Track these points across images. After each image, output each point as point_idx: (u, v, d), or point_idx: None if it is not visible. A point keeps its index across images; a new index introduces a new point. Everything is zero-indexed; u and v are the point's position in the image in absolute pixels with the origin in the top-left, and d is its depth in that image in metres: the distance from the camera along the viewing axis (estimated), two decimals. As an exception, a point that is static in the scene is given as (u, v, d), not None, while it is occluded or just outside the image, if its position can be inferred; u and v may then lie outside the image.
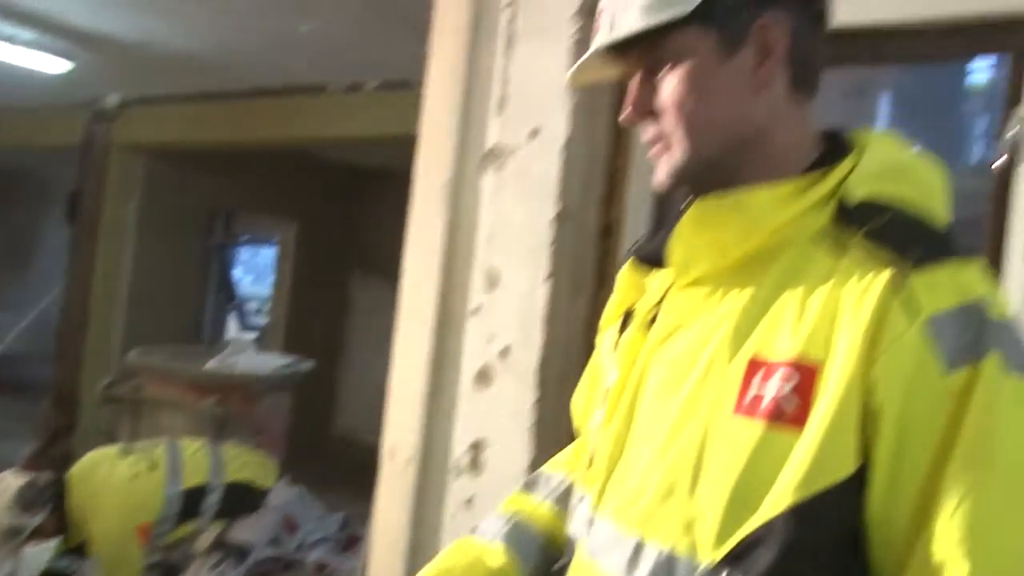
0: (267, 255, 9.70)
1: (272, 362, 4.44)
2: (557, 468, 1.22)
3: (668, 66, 0.93)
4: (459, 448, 2.24)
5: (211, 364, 4.30)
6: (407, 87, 5.12)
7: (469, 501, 2.21)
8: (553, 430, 2.16)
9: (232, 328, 9.02)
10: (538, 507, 1.18)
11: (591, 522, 0.98)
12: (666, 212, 2.19)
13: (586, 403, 1.15)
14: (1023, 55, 1.78)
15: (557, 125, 2.14)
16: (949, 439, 0.77)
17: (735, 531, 0.82)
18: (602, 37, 0.97)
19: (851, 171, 0.90)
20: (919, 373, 0.78)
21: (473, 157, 2.26)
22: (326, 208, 7.83)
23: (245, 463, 3.91)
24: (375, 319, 7.67)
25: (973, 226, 1.87)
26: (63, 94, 6.05)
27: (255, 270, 11.87)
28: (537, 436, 2.12)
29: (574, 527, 1.03)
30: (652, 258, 1.03)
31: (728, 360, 0.87)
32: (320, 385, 6.98)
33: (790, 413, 0.81)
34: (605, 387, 1.04)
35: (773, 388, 0.83)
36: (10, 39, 4.89)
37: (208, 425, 4.07)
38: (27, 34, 4.86)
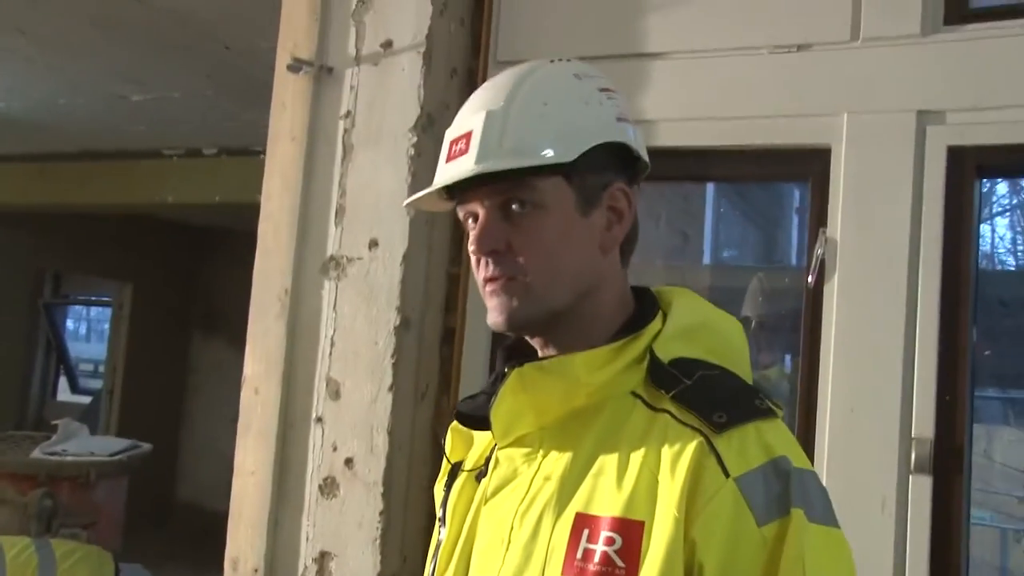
0: (104, 313, 9.24)
1: (108, 446, 4.19)
2: None
3: (530, 210, 0.94)
4: (306, 559, 2.20)
5: (37, 452, 4.02)
6: (246, 154, 5.05)
7: (316, 614, 2.18)
8: (399, 541, 2.17)
9: (63, 392, 8.51)
10: None
11: None
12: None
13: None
14: (822, 181, 1.94)
15: (396, 236, 2.15)
16: None
17: None
18: (462, 167, 0.95)
19: (660, 331, 0.97)
20: (735, 527, 0.84)
21: (313, 266, 2.24)
22: (163, 268, 7.55)
23: (79, 560, 3.64)
24: (217, 381, 7.42)
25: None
26: None
27: (92, 329, 11.27)
28: (383, 547, 2.11)
29: None
30: (474, 420, 1.06)
31: (555, 517, 0.91)
32: (161, 452, 6.72)
33: (618, 571, 0.86)
34: (437, 540, 1.07)
35: (600, 545, 0.87)
36: None
37: (35, 519, 3.80)
38: None
